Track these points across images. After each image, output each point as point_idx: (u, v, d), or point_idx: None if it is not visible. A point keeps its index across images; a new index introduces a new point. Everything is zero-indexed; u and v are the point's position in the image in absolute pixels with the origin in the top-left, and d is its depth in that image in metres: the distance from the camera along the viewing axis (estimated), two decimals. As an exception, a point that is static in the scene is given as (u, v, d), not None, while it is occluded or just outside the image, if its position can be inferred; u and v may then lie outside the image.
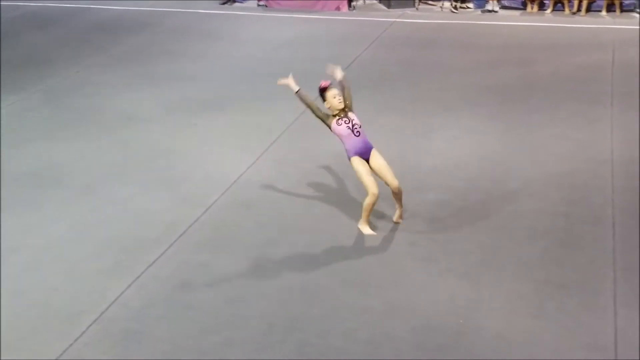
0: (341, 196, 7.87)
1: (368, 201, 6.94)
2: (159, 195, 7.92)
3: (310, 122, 9.83)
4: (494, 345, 5.59)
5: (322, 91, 6.97)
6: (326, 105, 6.99)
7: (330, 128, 7.03)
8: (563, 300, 6.09)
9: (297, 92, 7.05)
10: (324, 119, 7.03)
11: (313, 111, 7.03)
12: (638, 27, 13.83)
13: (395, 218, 7.26)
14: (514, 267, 6.53)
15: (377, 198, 6.94)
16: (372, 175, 6.97)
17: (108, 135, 9.49)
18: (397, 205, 7.23)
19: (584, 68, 11.88)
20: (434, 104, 10.43)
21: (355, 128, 6.94)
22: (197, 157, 8.85)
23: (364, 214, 7.06)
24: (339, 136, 7.00)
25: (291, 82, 7.08)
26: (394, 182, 7.01)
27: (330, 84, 6.93)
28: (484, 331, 5.75)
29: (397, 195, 7.09)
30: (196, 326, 5.84)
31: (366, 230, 7.10)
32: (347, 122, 6.94)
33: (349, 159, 7.00)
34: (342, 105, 6.93)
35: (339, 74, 7.04)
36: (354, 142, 6.93)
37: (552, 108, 10.21)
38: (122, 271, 6.56)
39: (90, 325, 5.84)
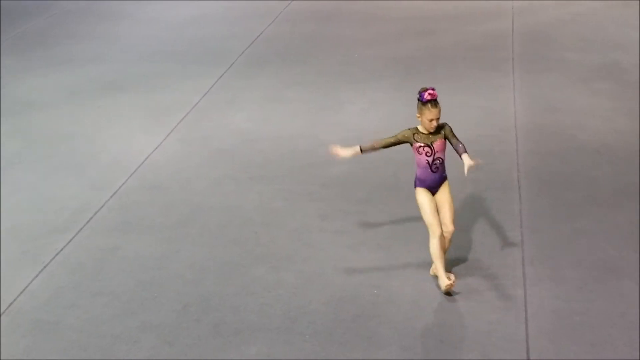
0: (249, 173, 7.83)
1: (434, 245, 5.79)
2: (64, 181, 7.74)
3: (216, 101, 9.79)
4: (408, 312, 5.66)
5: (424, 100, 5.69)
6: (418, 116, 5.77)
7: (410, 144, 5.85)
8: (473, 264, 6.21)
9: (362, 151, 5.89)
10: (402, 140, 5.82)
11: (390, 145, 5.89)
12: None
13: (451, 281, 5.82)
14: (425, 236, 6.60)
15: (439, 234, 5.82)
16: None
17: (8, 123, 9.21)
18: (441, 266, 5.88)
19: (485, 36, 12.06)
20: (341, 78, 10.45)
21: (435, 164, 5.79)
22: (102, 141, 8.67)
23: (438, 262, 5.80)
24: (416, 160, 5.88)
25: (347, 152, 5.90)
26: (450, 225, 5.86)
27: (436, 98, 5.70)
28: (398, 300, 5.82)
29: (445, 246, 5.94)
30: (108, 312, 5.74)
31: (445, 282, 5.76)
32: (429, 154, 5.76)
33: (415, 186, 5.92)
34: (432, 130, 5.76)
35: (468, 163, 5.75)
36: (426, 176, 5.82)
37: (456, 77, 10.36)
38: (28, 261, 6.40)
39: (-2, 317, 5.70)
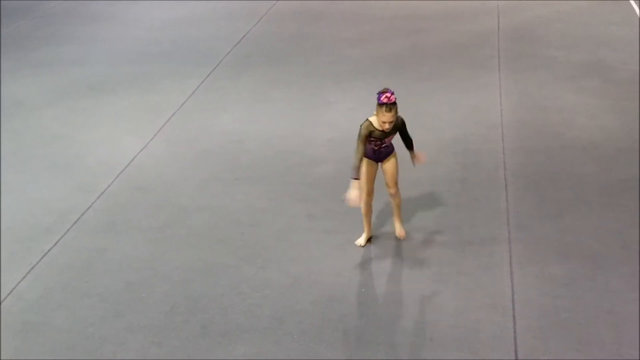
0: (236, 174, 7.82)
1: (364, 203, 6.29)
2: (50, 183, 7.71)
3: (202, 102, 9.76)
4: (396, 311, 5.67)
5: (380, 102, 5.77)
6: (375, 113, 5.88)
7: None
8: (461, 262, 6.22)
9: (359, 178, 5.94)
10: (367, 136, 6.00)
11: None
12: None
13: (396, 232, 6.44)
14: (413, 234, 6.62)
15: (366, 202, 6.28)
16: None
17: (-6, 124, 9.19)
18: (395, 217, 6.45)
19: (471, 35, 12.08)
20: (328, 77, 10.45)
21: (381, 150, 6.08)
22: (88, 142, 8.64)
23: (365, 221, 6.46)
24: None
25: (355, 191, 5.87)
26: (392, 187, 6.23)
27: (394, 103, 5.79)
28: (386, 298, 5.83)
29: (395, 201, 6.31)
30: (96, 313, 5.73)
31: (360, 239, 6.49)
32: (377, 145, 6.03)
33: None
34: (386, 131, 5.91)
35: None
36: (371, 154, 6.10)
37: (443, 75, 10.37)
38: (16, 262, 6.37)
39: (-15, 320, 5.67)
